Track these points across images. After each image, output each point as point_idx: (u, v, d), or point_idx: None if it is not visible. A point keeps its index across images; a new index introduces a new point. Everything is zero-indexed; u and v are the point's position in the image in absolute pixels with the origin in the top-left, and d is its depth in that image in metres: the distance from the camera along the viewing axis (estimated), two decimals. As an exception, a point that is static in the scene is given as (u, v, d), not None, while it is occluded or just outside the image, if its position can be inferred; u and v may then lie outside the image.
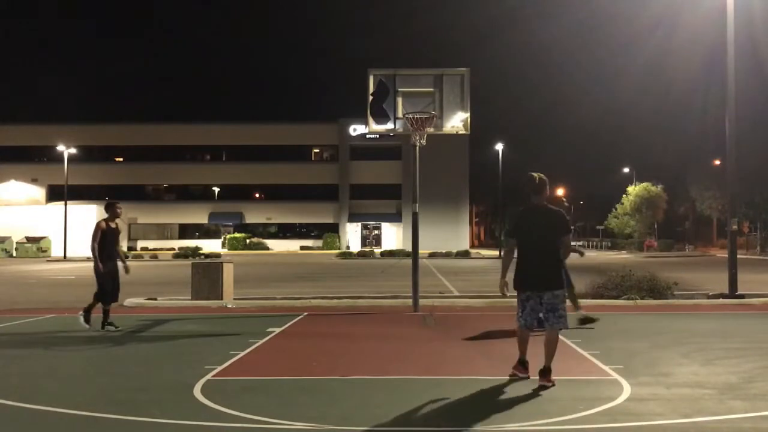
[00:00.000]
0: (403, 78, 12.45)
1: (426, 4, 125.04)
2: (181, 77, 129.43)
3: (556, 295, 6.33)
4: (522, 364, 6.56)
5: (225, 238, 58.79)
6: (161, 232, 60.99)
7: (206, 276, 13.95)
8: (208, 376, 6.67)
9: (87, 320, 10.06)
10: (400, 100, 12.32)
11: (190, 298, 14.04)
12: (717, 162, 50.86)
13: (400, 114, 12.24)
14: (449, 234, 55.47)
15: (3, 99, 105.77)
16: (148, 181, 61.67)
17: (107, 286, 10.04)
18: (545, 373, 6.26)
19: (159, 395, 6.02)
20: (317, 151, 63.36)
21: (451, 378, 6.69)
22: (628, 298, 13.28)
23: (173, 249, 50.87)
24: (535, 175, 6.57)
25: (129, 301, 14.31)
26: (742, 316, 11.83)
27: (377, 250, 49.55)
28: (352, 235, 60.62)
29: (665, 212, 60.59)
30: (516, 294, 6.47)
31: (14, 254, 48.77)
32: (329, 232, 59.57)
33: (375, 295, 15.23)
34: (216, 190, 61.49)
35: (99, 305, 10.10)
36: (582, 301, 13.46)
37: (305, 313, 11.96)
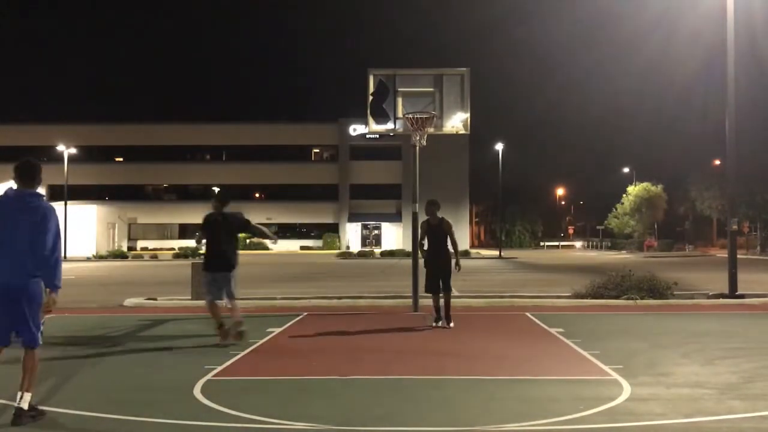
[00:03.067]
0: (403, 78, 12.46)
1: (426, 4, 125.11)
2: (181, 77, 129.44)
3: (226, 276, 8.78)
4: (221, 327, 8.77)
5: (225, 239, 58.72)
6: (161, 232, 60.95)
7: (206, 276, 13.92)
8: (208, 376, 6.67)
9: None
10: (400, 100, 12.32)
11: (190, 298, 14.03)
12: (717, 162, 50.87)
13: (400, 114, 12.24)
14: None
15: (3, 99, 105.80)
16: (148, 181, 61.66)
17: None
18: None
19: (159, 395, 6.02)
20: (317, 151, 63.33)
21: (451, 378, 6.69)
22: (628, 298, 13.28)
23: (173, 249, 50.83)
24: (216, 191, 9.36)
25: (129, 301, 14.31)
26: (742, 316, 11.83)
27: (377, 250, 49.54)
28: (352, 235, 60.59)
29: (665, 212, 60.60)
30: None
31: (14, 254, 48.74)
32: (329, 232, 59.57)
33: (375, 295, 15.22)
34: (216, 190, 61.48)
35: None
36: (582, 301, 13.54)
37: (305, 313, 11.96)
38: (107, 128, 60.28)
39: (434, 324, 10.20)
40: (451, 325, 10.10)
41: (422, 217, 10.84)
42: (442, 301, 10.28)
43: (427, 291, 10.31)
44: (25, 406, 5.08)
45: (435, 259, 10.24)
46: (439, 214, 10.39)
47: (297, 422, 5.04)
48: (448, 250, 10.26)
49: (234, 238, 9.00)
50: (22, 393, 5.11)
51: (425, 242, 10.56)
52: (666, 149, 68.39)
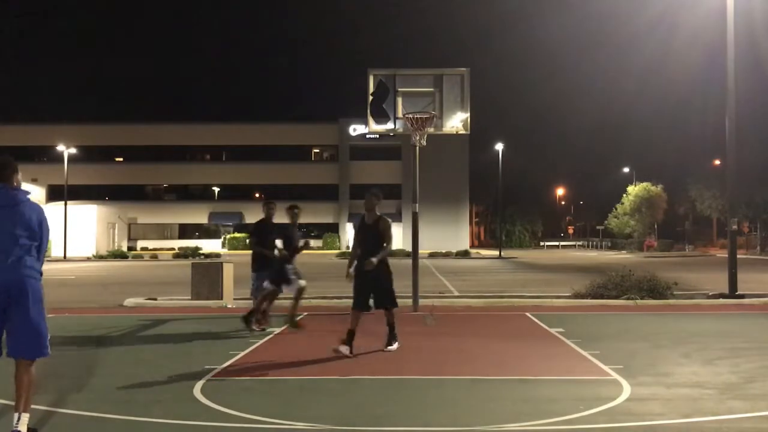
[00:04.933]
0: (403, 78, 12.47)
1: (427, 4, 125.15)
2: (181, 77, 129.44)
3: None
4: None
5: (225, 238, 58.75)
6: (161, 232, 60.96)
7: (206, 276, 13.95)
8: (208, 376, 6.67)
9: None
10: (400, 100, 12.33)
11: (190, 298, 14.04)
12: (717, 162, 50.89)
13: (400, 114, 12.25)
14: (449, 234, 55.43)
15: (3, 99, 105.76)
16: (148, 181, 61.65)
17: None
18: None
19: (159, 395, 6.02)
20: (317, 151, 63.35)
21: (451, 378, 6.69)
22: (628, 298, 13.28)
23: (173, 249, 50.82)
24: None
25: (129, 301, 14.31)
26: (742, 316, 11.83)
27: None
28: (352, 235, 60.54)
29: (665, 212, 60.61)
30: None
31: (14, 254, 48.69)
32: (329, 232, 59.55)
33: (375, 295, 15.19)
34: (216, 190, 61.48)
35: None
36: (582, 301, 13.53)
37: (305, 313, 11.95)
38: (107, 128, 60.28)
39: (337, 348, 7.75)
40: (390, 348, 8.03)
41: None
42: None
43: (353, 307, 8.00)
44: (23, 429, 4.48)
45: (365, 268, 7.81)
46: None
47: (297, 422, 5.04)
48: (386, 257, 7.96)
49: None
50: (20, 414, 4.48)
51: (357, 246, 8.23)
52: (666, 149, 68.54)
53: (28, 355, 4.56)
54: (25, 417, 4.51)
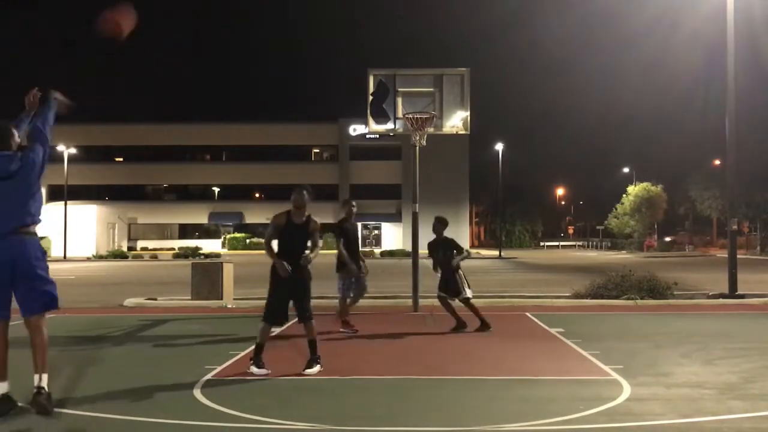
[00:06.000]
0: (403, 78, 12.47)
1: (427, 4, 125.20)
2: (181, 77, 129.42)
3: None
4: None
5: (225, 238, 58.75)
6: (161, 232, 60.94)
7: (206, 276, 13.96)
8: (208, 376, 6.67)
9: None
10: (400, 100, 12.34)
11: (190, 298, 14.04)
12: (717, 162, 50.93)
13: (400, 114, 12.26)
14: (449, 234, 55.19)
15: (3, 99, 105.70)
16: (148, 181, 61.63)
17: None
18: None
19: (159, 395, 6.02)
20: (317, 151, 63.33)
21: (451, 378, 6.69)
22: (628, 298, 13.28)
23: (173, 249, 50.82)
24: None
25: (129, 301, 14.32)
26: (742, 316, 11.83)
27: (377, 250, 49.54)
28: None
29: (665, 212, 60.64)
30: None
31: (14, 254, 48.69)
32: (329, 232, 59.53)
33: (375, 295, 15.20)
34: (216, 190, 61.45)
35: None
36: (582, 301, 13.53)
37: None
38: (107, 128, 60.22)
39: (253, 369, 6.85)
40: (310, 371, 6.83)
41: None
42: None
43: (269, 319, 6.95)
44: (45, 386, 4.74)
45: (292, 272, 6.84)
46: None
47: (297, 422, 5.04)
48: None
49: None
50: (40, 375, 4.76)
51: (274, 245, 7.08)
52: (666, 149, 68.70)
53: (42, 308, 4.94)
54: (45, 376, 4.82)
